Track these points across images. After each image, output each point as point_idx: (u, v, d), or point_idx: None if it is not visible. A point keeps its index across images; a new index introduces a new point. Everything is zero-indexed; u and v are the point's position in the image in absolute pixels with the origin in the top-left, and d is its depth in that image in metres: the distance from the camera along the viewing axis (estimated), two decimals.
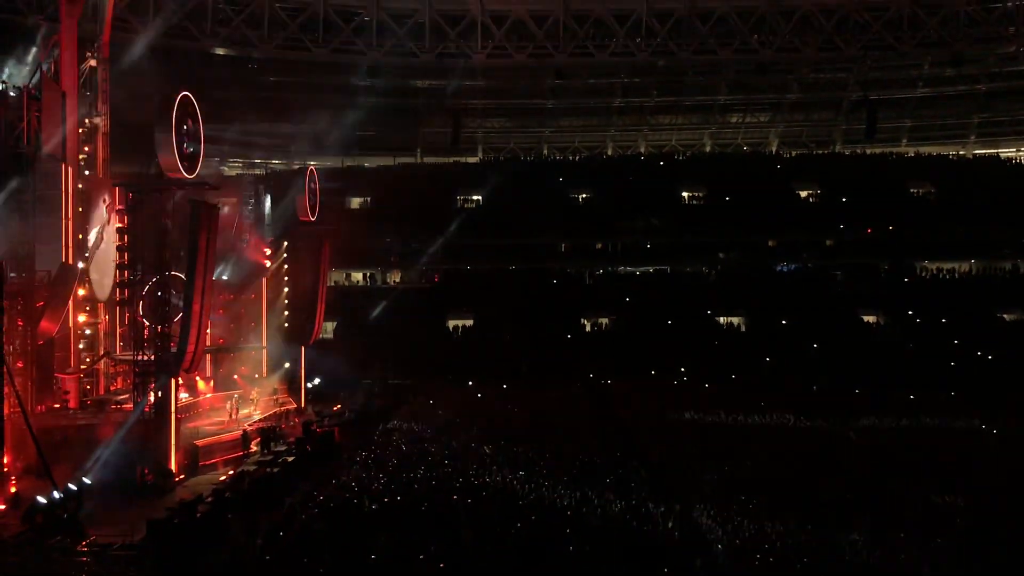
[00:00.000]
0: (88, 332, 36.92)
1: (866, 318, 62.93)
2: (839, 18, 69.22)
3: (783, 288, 65.02)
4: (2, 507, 26.06)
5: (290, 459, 33.15)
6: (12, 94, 35.10)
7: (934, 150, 76.89)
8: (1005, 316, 61.71)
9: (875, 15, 69.23)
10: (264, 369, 45.04)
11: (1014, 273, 66.52)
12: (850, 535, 21.12)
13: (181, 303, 32.34)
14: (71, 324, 35.08)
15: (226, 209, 41.42)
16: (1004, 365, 52.90)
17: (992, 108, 76.25)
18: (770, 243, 68.96)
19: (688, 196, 72.35)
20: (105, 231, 36.79)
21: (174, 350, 31.52)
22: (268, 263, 45.14)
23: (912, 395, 45.49)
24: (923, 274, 67.43)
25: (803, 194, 71.89)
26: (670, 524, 23.05)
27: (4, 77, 40.28)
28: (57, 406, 33.82)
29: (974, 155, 77.57)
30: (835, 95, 75.91)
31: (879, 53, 70.12)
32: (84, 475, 27.31)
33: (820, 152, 78.29)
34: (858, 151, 76.89)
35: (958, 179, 71.63)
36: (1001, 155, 77.24)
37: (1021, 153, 77.87)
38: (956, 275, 67.25)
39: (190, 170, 31.90)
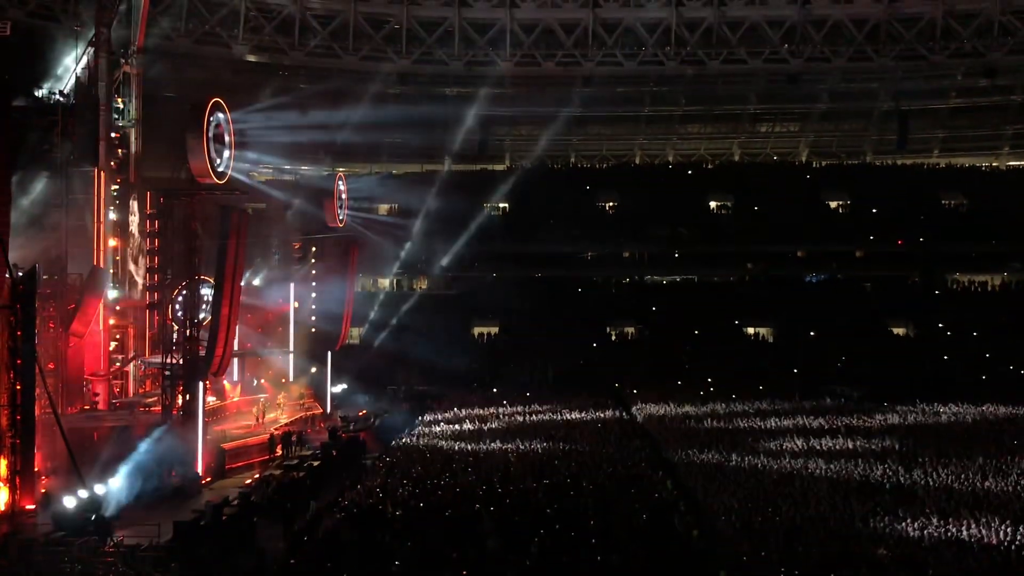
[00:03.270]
0: (118, 335, 37.36)
1: (895, 330, 62.28)
2: (871, 28, 68.69)
3: (811, 299, 64.53)
4: (32, 506, 26.32)
5: (316, 464, 33.28)
6: (47, 99, 35.65)
7: (966, 161, 76.09)
8: None
9: (907, 25, 68.65)
10: (291, 374, 45.32)
11: None
12: (878, 551, 20.88)
13: (210, 307, 32.65)
14: (101, 327, 35.48)
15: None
16: None
17: None
18: (799, 253, 68.59)
19: (716, 205, 72.11)
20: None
21: (203, 354, 31.78)
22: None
23: (941, 408, 44.90)
24: (954, 286, 66.67)
25: (832, 204, 71.41)
26: (695, 534, 22.91)
27: (42, 84, 40.86)
28: (87, 407, 34.21)
29: (1007, 167, 76.65)
30: (866, 105, 75.24)
31: (911, 63, 69.51)
32: (112, 476, 27.56)
33: (850, 162, 77.65)
34: (889, 162, 76.21)
35: (990, 191, 70.81)
36: None
37: None
38: (988, 287, 66.43)
39: (220, 176, 32.22)
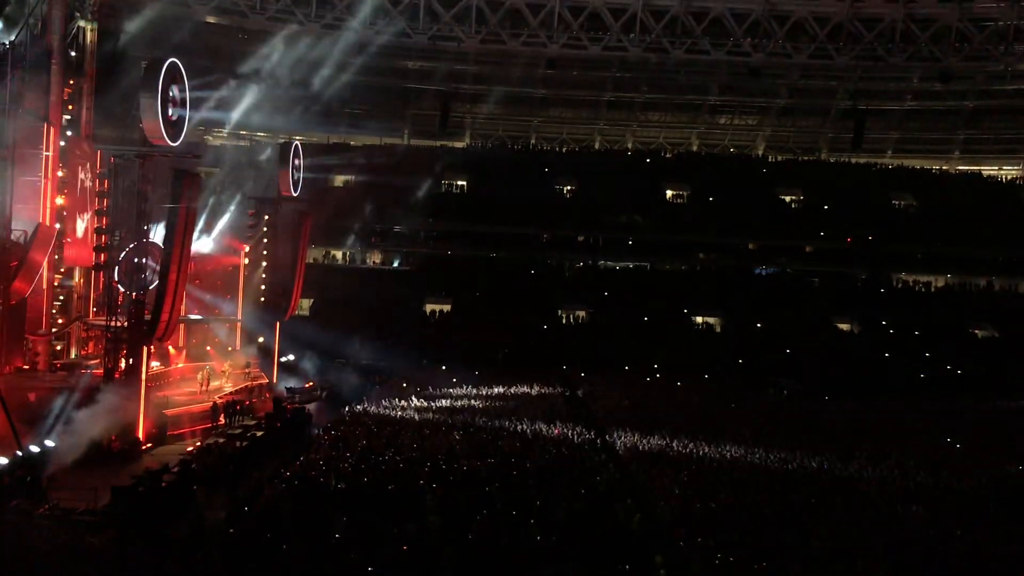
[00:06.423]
0: (62, 295, 36.64)
1: (840, 326, 63.40)
2: (832, 26, 69.39)
3: (760, 291, 65.42)
4: None
5: (259, 434, 33.04)
6: None
7: (917, 163, 77.54)
8: (977, 332, 62.40)
9: (868, 26, 69.40)
10: (237, 342, 44.87)
11: (988, 290, 67.30)
12: (809, 541, 21.29)
13: (157, 271, 32.14)
14: (45, 286, 34.77)
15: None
16: (974, 380, 53.51)
17: (977, 125, 77.01)
18: (750, 246, 69.38)
19: (672, 194, 72.62)
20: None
21: (148, 318, 31.31)
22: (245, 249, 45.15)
23: (881, 404, 45.82)
24: (898, 285, 68.02)
25: (786, 199, 72.31)
26: (634, 519, 23.17)
27: None
28: (26, 367, 33.57)
29: (957, 171, 78.23)
30: (824, 103, 76.27)
31: (870, 64, 70.45)
32: (48, 438, 27.11)
33: (805, 158, 78.73)
34: (843, 160, 77.33)
35: (939, 193, 72.27)
36: (983, 172, 78.06)
37: (1003, 171, 78.70)
38: (931, 288, 67.89)
39: (174, 137, 31.63)
